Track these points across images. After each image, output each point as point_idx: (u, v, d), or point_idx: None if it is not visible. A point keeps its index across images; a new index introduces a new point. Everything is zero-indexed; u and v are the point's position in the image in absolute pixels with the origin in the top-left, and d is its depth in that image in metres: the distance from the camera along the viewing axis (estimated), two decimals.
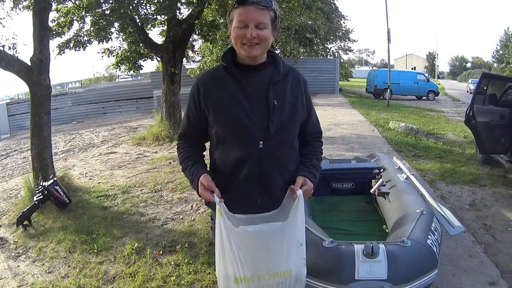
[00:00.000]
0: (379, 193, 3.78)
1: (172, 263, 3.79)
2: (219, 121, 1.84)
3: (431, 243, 2.61)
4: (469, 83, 33.01)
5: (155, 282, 3.45)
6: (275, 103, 1.82)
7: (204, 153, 2.06)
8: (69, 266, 3.87)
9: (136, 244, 4.17)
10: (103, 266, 3.82)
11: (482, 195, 5.78)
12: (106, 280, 3.58)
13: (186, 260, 3.79)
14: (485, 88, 7.26)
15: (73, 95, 23.32)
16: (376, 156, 5.10)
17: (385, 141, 9.85)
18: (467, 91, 30.20)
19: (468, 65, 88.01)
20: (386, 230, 3.51)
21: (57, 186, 5.12)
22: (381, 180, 3.90)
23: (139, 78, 29.52)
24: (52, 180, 5.16)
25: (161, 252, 4.04)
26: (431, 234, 2.75)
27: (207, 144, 2.05)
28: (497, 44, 54.84)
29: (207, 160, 2.02)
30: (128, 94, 23.56)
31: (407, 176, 4.05)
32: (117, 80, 35.98)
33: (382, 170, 4.29)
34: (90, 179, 7.27)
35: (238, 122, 1.80)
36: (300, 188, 1.79)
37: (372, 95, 25.64)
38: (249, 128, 1.80)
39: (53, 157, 9.42)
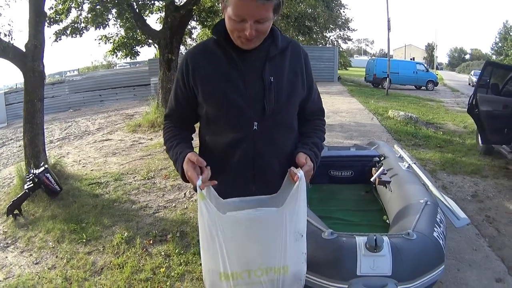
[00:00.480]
0: (380, 182, 3.62)
1: (163, 253, 3.63)
2: (208, 100, 1.67)
3: (437, 236, 2.43)
4: (471, 75, 31.66)
5: (143, 274, 3.29)
6: (272, 80, 1.63)
7: (193, 135, 1.87)
8: (56, 257, 3.70)
9: (126, 233, 4.00)
10: (91, 257, 3.65)
11: (484, 186, 5.63)
12: (94, 272, 3.41)
13: (177, 251, 3.63)
14: (488, 76, 7.08)
15: (70, 83, 22.99)
16: (376, 144, 4.91)
17: (384, 130, 9.71)
18: (469, 83, 29.57)
19: (467, 56, 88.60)
20: (387, 221, 3.35)
21: (48, 174, 4.95)
22: (382, 168, 3.74)
23: (137, 66, 29.25)
24: (43, 168, 4.99)
25: (151, 241, 3.87)
26: (437, 226, 2.57)
27: (197, 126, 1.88)
28: (496, 37, 55.06)
29: (196, 149, 1.80)
30: (125, 81, 23.29)
31: (409, 164, 3.86)
32: (115, 68, 35.67)
33: (382, 158, 4.12)
34: (83, 166, 7.09)
35: (230, 102, 1.62)
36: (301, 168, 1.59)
37: (371, 84, 25.47)
38: (242, 108, 1.63)
39: (49, 145, 9.33)
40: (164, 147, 1.82)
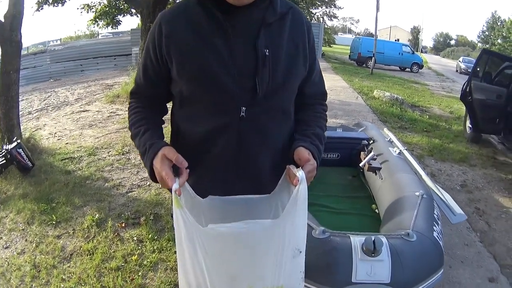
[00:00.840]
0: (370, 168, 3.43)
1: (135, 238, 3.37)
2: (184, 75, 1.29)
3: (436, 236, 2.22)
4: (459, 61, 30.92)
5: (114, 262, 3.02)
6: (267, 53, 1.28)
7: (164, 118, 1.53)
8: (26, 240, 3.41)
9: (97, 215, 3.71)
10: (61, 241, 3.37)
11: (473, 176, 5.53)
12: (63, 258, 3.13)
13: (150, 236, 3.37)
14: (483, 65, 7.01)
15: (52, 52, 22.24)
16: (363, 126, 4.70)
17: (369, 110, 9.60)
18: (456, 70, 29.19)
19: (452, 42, 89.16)
20: (376, 210, 3.18)
21: (21, 149, 4.59)
22: (372, 153, 3.55)
23: (120, 35, 28.55)
24: (15, 143, 4.62)
25: (123, 224, 3.59)
26: (436, 224, 2.37)
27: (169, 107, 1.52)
28: (483, 25, 55.80)
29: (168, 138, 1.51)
30: (107, 51, 22.63)
31: (400, 150, 3.66)
32: (98, 37, 34.82)
33: (371, 141, 3.95)
34: (58, 139, 6.72)
35: (211, 78, 1.26)
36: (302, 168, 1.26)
37: (355, 62, 25.39)
38: (226, 87, 1.27)
39: (27, 116, 8.96)
40: (130, 133, 1.45)
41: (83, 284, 2.80)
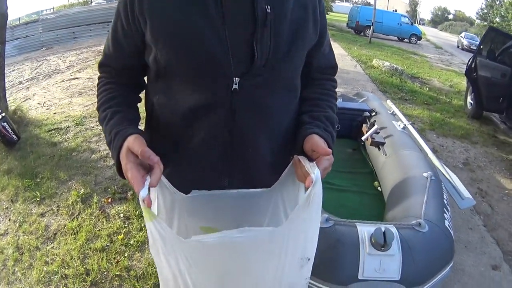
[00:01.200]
0: (373, 142, 3.26)
1: (122, 215, 3.17)
2: (160, 38, 0.99)
3: (448, 225, 2.03)
4: (461, 37, 29.31)
5: (99, 242, 2.84)
6: (268, 10, 1.00)
7: (140, 95, 1.21)
8: (9, 220, 3.21)
9: (82, 190, 3.50)
10: (45, 219, 3.17)
11: (474, 154, 5.38)
12: (46, 238, 2.94)
13: (137, 212, 3.18)
14: (489, 42, 6.85)
15: (44, 21, 21.44)
16: (364, 96, 4.45)
17: (368, 79, 9.41)
18: (458, 46, 28.37)
19: (450, 16, 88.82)
20: (379, 188, 3.00)
21: (5, 123, 4.32)
22: (375, 126, 3.36)
23: (113, 1, 27.93)
24: (0, 116, 4.38)
25: (110, 200, 3.39)
26: (446, 211, 2.18)
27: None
28: (482, 3, 55.19)
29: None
30: (101, 17, 21.77)
31: (405, 125, 3.46)
32: (91, 4, 34.13)
33: (373, 113, 3.75)
34: (47, 109, 6.45)
35: (194, 40, 0.97)
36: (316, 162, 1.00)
37: (353, 30, 25.14)
38: (213, 52, 0.98)
39: (17, 86, 8.68)
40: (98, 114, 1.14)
41: (66, 267, 2.62)
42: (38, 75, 10.85)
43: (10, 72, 9.78)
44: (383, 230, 1.66)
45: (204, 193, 1.10)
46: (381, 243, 1.64)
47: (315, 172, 0.92)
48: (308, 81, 1.23)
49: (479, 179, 4.56)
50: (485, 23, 48.71)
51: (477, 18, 58.90)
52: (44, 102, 6.97)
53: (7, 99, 5.58)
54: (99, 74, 1.18)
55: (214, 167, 1.11)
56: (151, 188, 0.87)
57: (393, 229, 1.75)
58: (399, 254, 1.67)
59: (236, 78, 0.99)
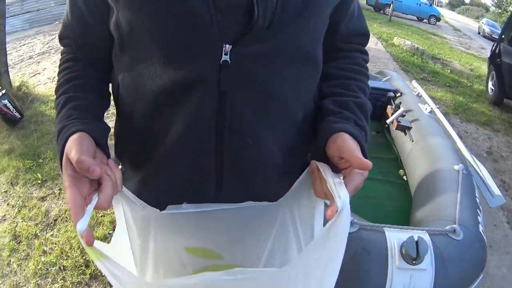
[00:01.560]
0: (399, 126, 3.06)
1: None
2: None
3: (482, 230, 1.81)
4: (482, 23, 27.57)
5: (101, 230, 2.68)
6: None
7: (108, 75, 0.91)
8: (8, 204, 3.04)
9: None
10: (45, 203, 3.01)
11: (497, 143, 5.15)
12: (46, 225, 2.78)
13: None
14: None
15: None
16: (388, 75, 4.17)
17: (390, 57, 9.19)
18: (479, 32, 27.15)
19: (467, 0, 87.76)
20: (404, 177, 2.81)
21: (6, 100, 4.09)
22: (401, 109, 3.15)
23: None
24: (0, 94, 4.18)
25: None
26: (479, 213, 1.95)
27: None
28: None
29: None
30: None
31: (432, 109, 3.21)
32: None
33: (398, 94, 3.53)
34: (56, 84, 6.31)
35: None
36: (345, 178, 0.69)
37: (372, 8, 24.69)
38: (191, 7, 0.64)
39: (27, 61, 8.48)
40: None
41: (65, 258, 2.46)
42: (50, 49, 10.66)
43: (20, 46, 9.62)
44: (416, 240, 1.46)
45: (188, 207, 0.81)
46: (413, 256, 1.43)
47: (341, 196, 0.62)
48: (332, 52, 0.89)
49: (502, 170, 4.34)
50: (499, 10, 47.89)
51: (492, 5, 58.05)
52: (54, 77, 6.81)
53: (16, 74, 5.39)
54: (62, 47, 0.91)
55: (199, 172, 0.79)
56: (114, 198, 0.63)
57: (427, 237, 1.54)
58: (431, 269, 1.47)
59: (227, 46, 0.67)
